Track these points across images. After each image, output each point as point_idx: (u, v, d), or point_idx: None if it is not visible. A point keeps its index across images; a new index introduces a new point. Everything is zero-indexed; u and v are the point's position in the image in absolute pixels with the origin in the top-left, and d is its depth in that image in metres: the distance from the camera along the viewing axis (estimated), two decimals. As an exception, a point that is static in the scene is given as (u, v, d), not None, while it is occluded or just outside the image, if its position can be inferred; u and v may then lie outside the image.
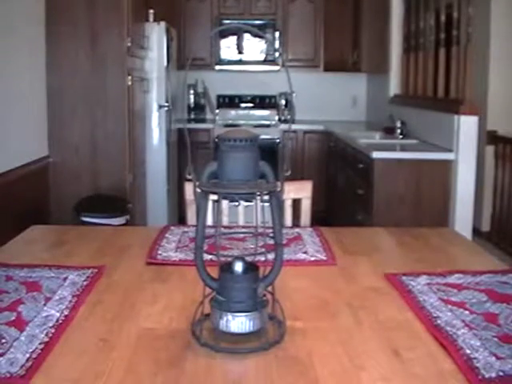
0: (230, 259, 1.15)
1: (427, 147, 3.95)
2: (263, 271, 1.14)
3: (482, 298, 1.31)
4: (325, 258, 1.63)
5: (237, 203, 1.32)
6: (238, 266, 1.11)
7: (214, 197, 1.12)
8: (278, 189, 1.11)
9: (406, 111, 4.64)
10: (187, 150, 1.10)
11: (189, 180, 1.11)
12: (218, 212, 1.15)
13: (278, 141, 5.49)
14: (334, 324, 1.22)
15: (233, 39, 5.75)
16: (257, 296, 1.10)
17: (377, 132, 4.90)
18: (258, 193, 1.08)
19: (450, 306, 1.26)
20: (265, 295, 1.14)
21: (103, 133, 3.54)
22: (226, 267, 1.12)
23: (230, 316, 1.09)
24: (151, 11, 4.28)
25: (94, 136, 3.54)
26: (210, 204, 1.20)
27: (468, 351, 1.06)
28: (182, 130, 5.20)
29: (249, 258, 1.16)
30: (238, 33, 5.69)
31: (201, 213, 1.12)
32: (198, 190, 1.10)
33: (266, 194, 1.10)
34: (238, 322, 1.09)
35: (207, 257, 1.22)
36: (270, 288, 1.15)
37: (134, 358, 1.06)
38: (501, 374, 0.98)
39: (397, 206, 3.65)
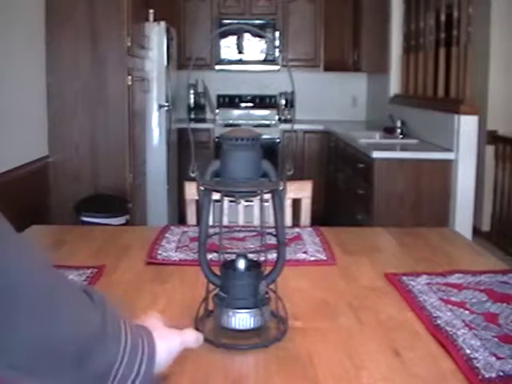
0: (231, 258, 1.15)
1: (427, 147, 3.95)
2: (264, 270, 1.14)
3: (482, 298, 1.31)
4: (325, 258, 1.63)
5: (236, 201, 1.32)
6: (241, 263, 1.12)
7: (216, 196, 1.12)
8: (281, 187, 1.11)
9: (406, 111, 4.64)
10: (191, 149, 1.10)
11: (192, 179, 1.11)
12: (220, 210, 1.15)
13: (278, 140, 5.50)
14: (334, 324, 1.22)
15: (233, 39, 5.76)
16: (259, 293, 1.11)
17: (377, 132, 4.90)
18: (261, 191, 1.09)
19: (450, 306, 1.26)
20: (267, 293, 1.14)
21: (103, 133, 3.54)
22: (229, 264, 1.13)
23: (231, 312, 1.10)
24: (151, 11, 4.29)
25: (94, 136, 3.54)
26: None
27: (468, 351, 1.06)
28: (182, 129, 5.20)
29: (250, 257, 1.16)
30: (238, 32, 5.69)
31: (204, 211, 1.12)
32: (202, 188, 1.10)
33: (269, 193, 1.10)
34: (240, 319, 1.10)
35: (208, 256, 1.22)
36: (272, 286, 1.15)
37: (134, 357, 1.06)
38: (501, 374, 0.98)
39: (397, 205, 3.65)
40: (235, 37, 5.74)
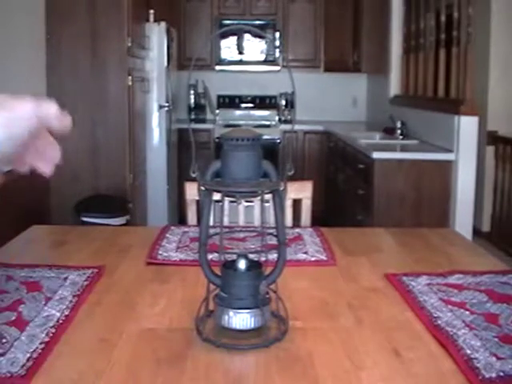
0: (232, 258, 1.15)
1: (427, 147, 3.95)
2: (265, 270, 1.14)
3: (483, 299, 1.31)
4: (325, 259, 1.63)
5: (236, 201, 1.33)
6: (241, 264, 1.12)
7: (216, 197, 1.12)
8: (281, 188, 1.11)
9: (407, 111, 4.64)
10: (191, 149, 1.11)
11: (192, 179, 1.11)
12: (221, 210, 1.15)
13: (278, 141, 5.50)
14: (334, 324, 1.22)
15: (233, 39, 5.76)
16: (259, 293, 1.11)
17: (377, 132, 4.90)
18: (261, 191, 1.09)
19: (450, 307, 1.26)
20: (267, 293, 1.14)
21: (103, 133, 3.54)
22: (230, 264, 1.13)
23: (232, 312, 1.10)
24: (151, 11, 4.29)
25: (94, 136, 3.54)
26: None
27: (468, 351, 1.06)
28: (182, 130, 5.20)
29: (251, 257, 1.16)
30: (238, 33, 5.69)
31: (205, 211, 1.12)
32: (202, 188, 1.10)
33: (269, 193, 1.10)
34: (240, 319, 1.10)
35: (209, 256, 1.22)
36: (273, 286, 1.15)
37: (134, 357, 1.06)
38: (501, 374, 0.98)
39: (397, 206, 3.65)
40: (235, 37, 5.74)
